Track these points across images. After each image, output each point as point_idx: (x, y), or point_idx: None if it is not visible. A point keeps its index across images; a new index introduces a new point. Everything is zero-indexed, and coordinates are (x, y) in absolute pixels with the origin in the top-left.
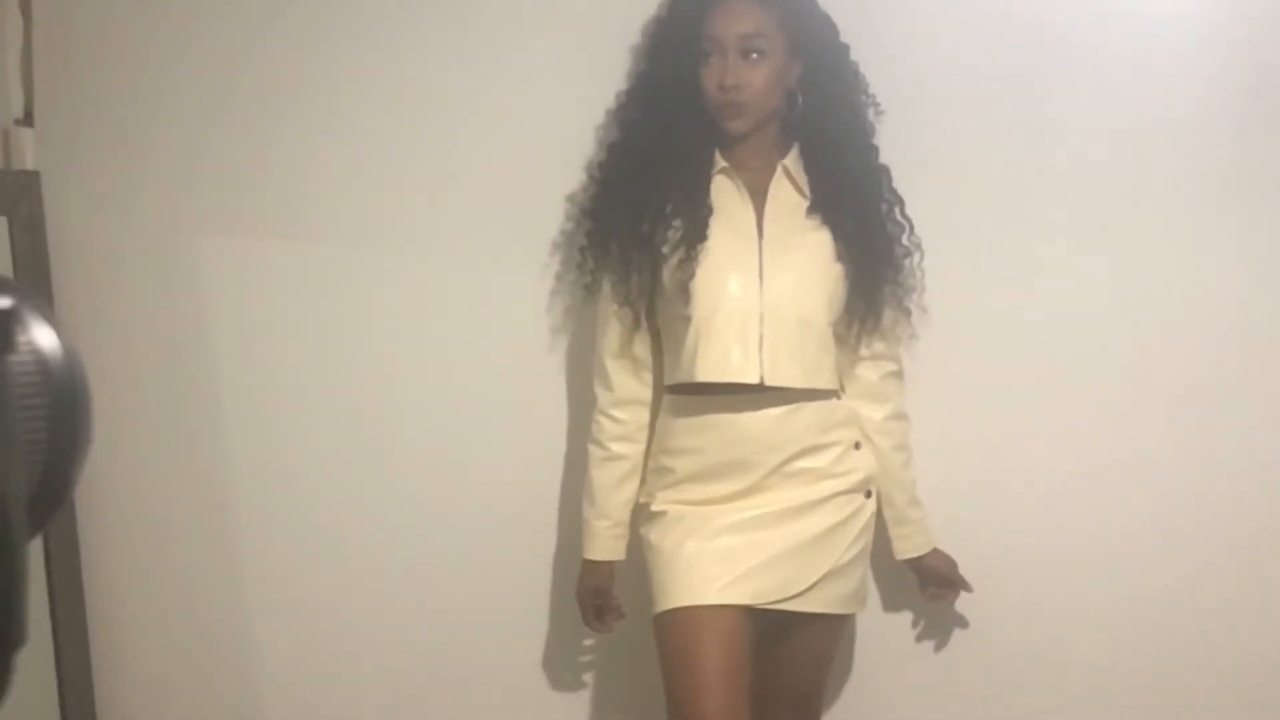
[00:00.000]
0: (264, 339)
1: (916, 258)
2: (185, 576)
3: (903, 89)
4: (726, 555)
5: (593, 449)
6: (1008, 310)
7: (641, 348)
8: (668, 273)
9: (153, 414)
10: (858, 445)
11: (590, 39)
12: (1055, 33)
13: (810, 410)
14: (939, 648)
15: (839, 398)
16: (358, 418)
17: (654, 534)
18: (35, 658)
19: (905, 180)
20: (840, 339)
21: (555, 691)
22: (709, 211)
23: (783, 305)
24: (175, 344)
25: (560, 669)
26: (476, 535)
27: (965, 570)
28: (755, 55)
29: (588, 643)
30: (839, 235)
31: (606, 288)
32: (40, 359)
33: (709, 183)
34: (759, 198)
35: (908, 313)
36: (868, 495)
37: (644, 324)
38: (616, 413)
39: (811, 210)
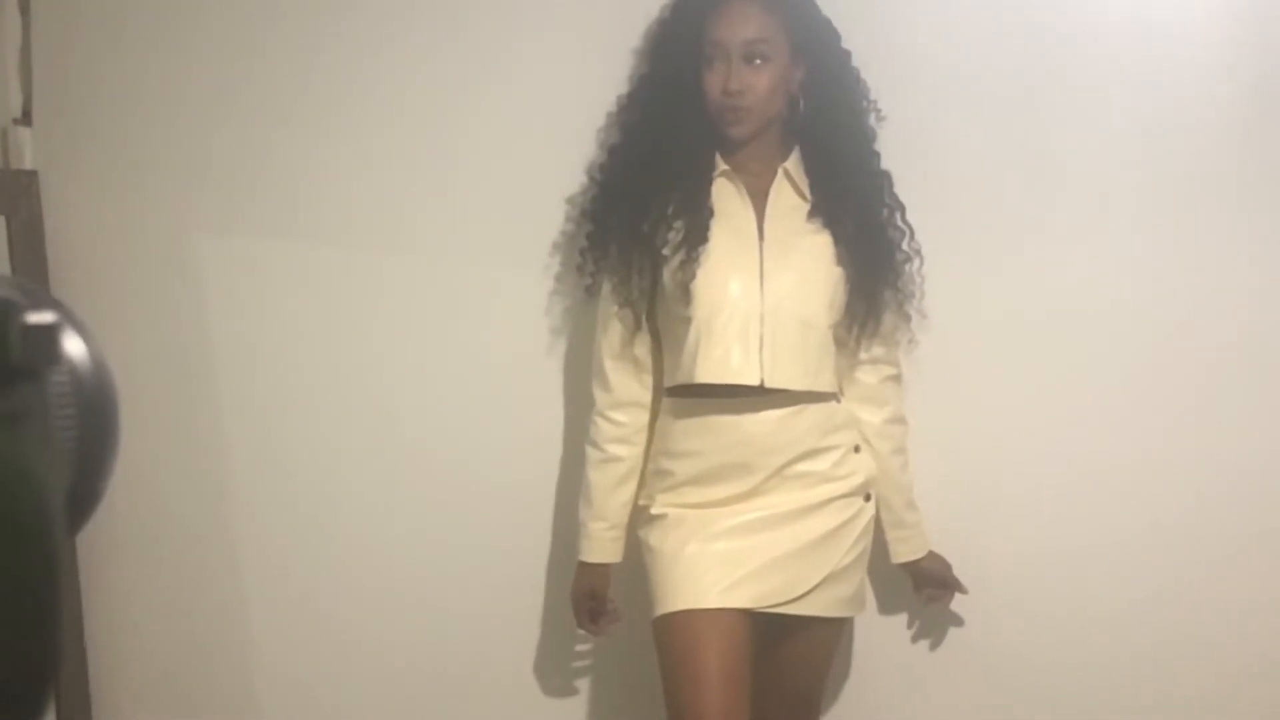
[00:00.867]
0: (263, 339)
1: (916, 263)
2: (183, 575)
3: (904, 95)
4: (727, 558)
5: (590, 451)
6: (1007, 316)
7: (642, 349)
8: (668, 274)
9: (152, 413)
10: (857, 448)
11: (591, 41)
12: (1056, 39)
13: (811, 413)
14: (937, 649)
15: (839, 401)
16: (358, 418)
17: (654, 537)
18: None
19: (906, 186)
20: (840, 342)
21: (551, 693)
22: (710, 213)
23: (784, 307)
24: (175, 344)
25: (555, 671)
26: (475, 535)
27: (965, 573)
28: (759, 60)
29: (582, 647)
30: (840, 239)
31: (607, 289)
32: (72, 369)
33: (710, 185)
34: (760, 200)
35: (907, 317)
36: (867, 498)
37: (644, 325)
38: (615, 414)
39: (812, 213)
